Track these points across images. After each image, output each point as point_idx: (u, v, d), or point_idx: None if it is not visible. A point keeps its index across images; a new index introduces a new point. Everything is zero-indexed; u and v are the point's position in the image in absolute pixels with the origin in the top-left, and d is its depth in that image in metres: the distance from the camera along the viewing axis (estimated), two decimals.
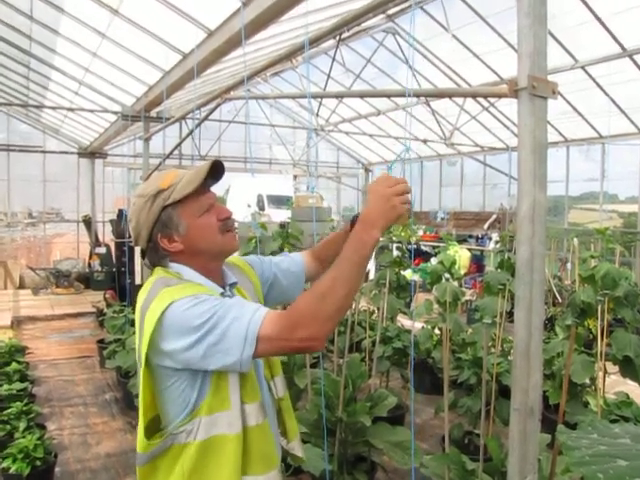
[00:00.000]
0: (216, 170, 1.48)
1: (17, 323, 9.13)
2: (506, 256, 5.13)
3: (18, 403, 4.36)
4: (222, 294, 1.46)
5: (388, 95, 2.55)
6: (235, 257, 1.78)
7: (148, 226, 1.45)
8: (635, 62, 8.17)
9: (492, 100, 10.09)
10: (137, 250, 6.99)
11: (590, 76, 8.79)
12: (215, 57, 4.77)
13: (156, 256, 1.49)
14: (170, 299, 1.29)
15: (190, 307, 1.27)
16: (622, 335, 4.05)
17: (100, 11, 5.20)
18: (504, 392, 3.80)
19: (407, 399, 4.84)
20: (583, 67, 8.64)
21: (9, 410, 4.27)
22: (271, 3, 3.72)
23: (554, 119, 10.31)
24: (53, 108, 9.79)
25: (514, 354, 1.90)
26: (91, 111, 8.28)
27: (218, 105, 4.83)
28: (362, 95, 4.04)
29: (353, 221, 1.70)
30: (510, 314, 4.69)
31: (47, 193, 13.59)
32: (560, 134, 10.88)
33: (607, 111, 9.27)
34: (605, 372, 4.32)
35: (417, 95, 1.97)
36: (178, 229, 1.44)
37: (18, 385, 4.86)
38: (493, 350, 4.58)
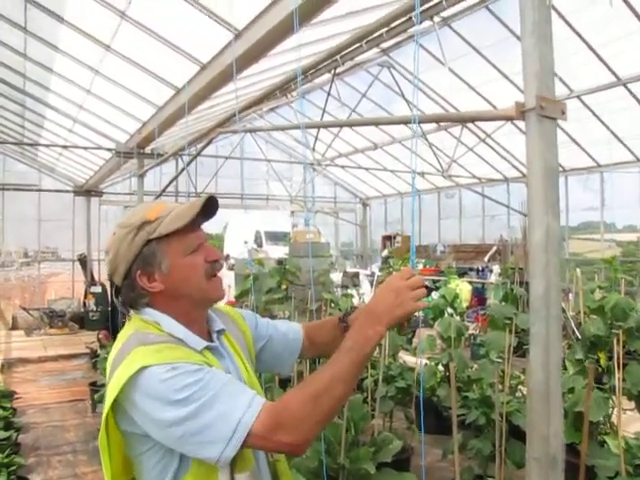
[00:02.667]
0: (209, 207, 1.34)
1: (7, 366, 8.86)
2: (510, 288, 4.98)
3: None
4: (207, 348, 1.31)
5: (393, 122, 2.46)
6: (226, 306, 1.64)
7: (127, 260, 1.29)
8: (630, 91, 8.17)
9: (489, 131, 10.10)
10: None
11: (586, 105, 8.78)
12: (208, 91, 4.70)
13: (131, 295, 1.32)
14: (142, 362, 1.12)
15: (168, 378, 1.11)
16: (636, 369, 3.86)
17: (93, 47, 5.16)
18: (515, 432, 3.60)
19: (412, 440, 4.60)
20: (579, 96, 8.65)
21: None
22: (261, 36, 3.66)
23: None
24: (47, 146, 9.75)
25: (529, 397, 1.73)
26: (85, 148, 8.22)
27: (211, 140, 4.74)
28: (365, 124, 3.94)
29: (344, 317, 1.60)
30: (516, 349, 4.52)
31: (42, 232, 13.49)
32: (559, 165, 10.82)
33: (605, 140, 9.24)
34: (621, 409, 4.11)
35: (423, 121, 1.87)
36: (160, 267, 1.28)
37: (1, 434, 4.62)
38: (500, 387, 4.40)
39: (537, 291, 1.72)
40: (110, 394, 1.14)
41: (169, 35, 4.67)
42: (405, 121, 2.18)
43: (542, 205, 1.74)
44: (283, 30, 3.46)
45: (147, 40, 4.75)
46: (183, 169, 6.23)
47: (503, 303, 5.03)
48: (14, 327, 12.36)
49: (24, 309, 12.54)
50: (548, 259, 1.71)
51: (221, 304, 1.64)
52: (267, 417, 1.12)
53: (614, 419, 4.14)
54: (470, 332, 8.82)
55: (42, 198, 13.21)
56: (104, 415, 1.16)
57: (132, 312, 1.35)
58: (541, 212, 1.74)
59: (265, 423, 1.11)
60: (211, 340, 1.38)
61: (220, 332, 1.42)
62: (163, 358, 1.14)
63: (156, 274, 1.29)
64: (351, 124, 4.06)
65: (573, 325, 7.36)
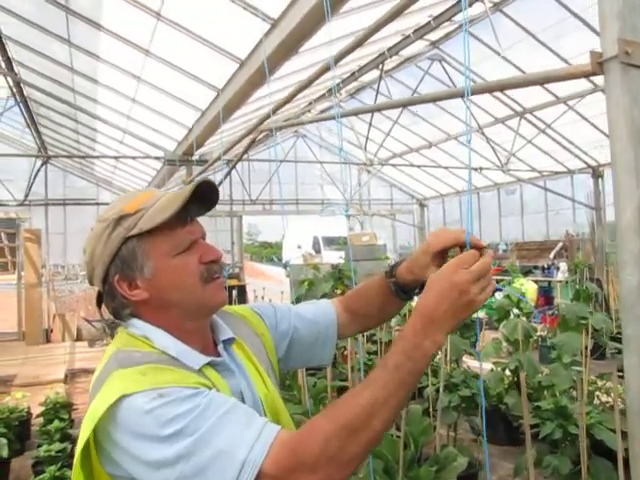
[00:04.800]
0: (205, 194, 1.07)
1: (71, 376, 9.01)
2: (583, 286, 4.54)
3: (52, 467, 4.03)
4: (210, 365, 1.05)
5: (441, 98, 2.17)
6: (240, 307, 1.36)
7: (104, 262, 1.05)
8: None
9: (548, 121, 9.53)
10: None
11: None
12: (249, 88, 4.51)
13: (112, 305, 1.08)
14: (121, 390, 0.88)
15: (155, 408, 0.86)
16: None
17: (133, 53, 5.09)
18: (597, 448, 3.19)
19: (479, 453, 4.24)
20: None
21: (41, 476, 3.94)
22: (297, 23, 3.43)
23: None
24: (96, 157, 9.89)
25: (629, 418, 1.39)
26: (133, 158, 8.25)
27: (255, 139, 4.53)
28: (405, 104, 3.63)
29: (392, 271, 1.27)
30: (592, 352, 4.06)
31: (84, 260, 13.78)
32: None
33: None
34: None
35: (475, 92, 1.59)
36: (142, 270, 1.03)
37: (57, 446, 4.54)
38: (574, 394, 3.98)
39: (630, 283, 1.39)
40: (84, 431, 0.89)
41: (205, 33, 4.53)
42: (458, 94, 1.88)
43: (632, 176, 1.40)
44: (318, 14, 3.22)
45: (184, 40, 4.63)
46: (229, 171, 6.06)
47: (574, 302, 4.59)
48: (78, 338, 12.62)
49: (87, 321, 12.80)
50: None
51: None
52: (283, 453, 0.85)
53: None
54: (538, 334, 8.30)
55: (100, 211, 13.48)
56: (76, 457, 0.91)
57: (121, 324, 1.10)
58: (630, 185, 1.40)
59: (280, 461, 0.84)
60: (216, 353, 1.12)
61: (228, 342, 1.15)
62: (148, 383, 0.89)
63: (138, 279, 1.04)
64: (393, 106, 3.78)
65: None
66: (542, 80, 1.72)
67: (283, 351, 1.31)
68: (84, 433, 0.89)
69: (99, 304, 1.13)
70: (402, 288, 1.25)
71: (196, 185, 1.03)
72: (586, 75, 1.53)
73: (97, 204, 13.33)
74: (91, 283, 1.11)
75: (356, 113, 5.23)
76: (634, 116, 1.41)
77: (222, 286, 1.11)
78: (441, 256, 1.15)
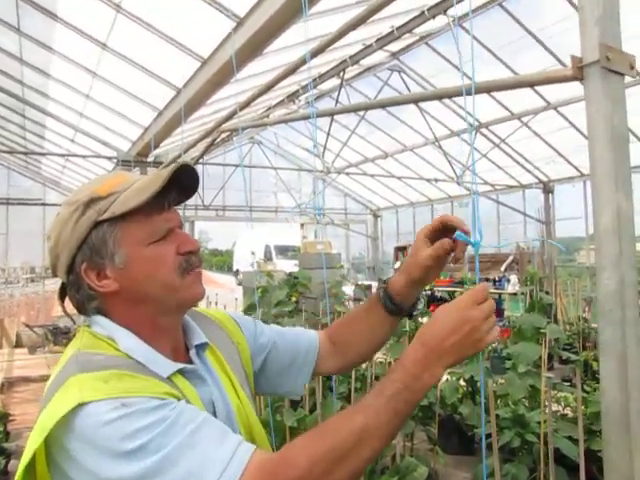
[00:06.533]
0: (184, 179, 0.98)
1: (8, 385, 8.54)
2: (538, 297, 4.61)
3: None
4: (181, 372, 0.95)
5: (444, 96, 2.15)
6: (214, 310, 1.27)
7: (70, 248, 0.95)
8: None
9: (502, 136, 9.76)
10: None
11: None
12: (210, 89, 4.40)
13: (77, 297, 0.98)
14: (79, 397, 0.78)
15: (115, 420, 0.77)
16: None
17: (89, 46, 4.89)
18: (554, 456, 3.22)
19: (436, 463, 4.24)
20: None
21: None
22: (264, 22, 3.36)
23: (567, 152, 9.93)
24: (43, 154, 9.51)
25: (604, 424, 1.37)
26: (83, 157, 7.96)
27: (214, 141, 4.41)
28: (400, 102, 3.58)
29: (385, 292, 1.21)
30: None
31: (48, 247, 13.28)
32: (576, 169, 10.44)
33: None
34: None
35: (479, 92, 1.58)
36: (113, 259, 0.94)
37: None
38: (526, 403, 4.03)
39: (607, 287, 1.37)
40: (31, 443, 0.79)
41: (167, 29, 4.40)
42: (456, 93, 1.85)
43: (611, 180, 1.38)
44: (288, 14, 3.17)
45: (145, 35, 4.48)
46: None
47: (530, 313, 4.65)
48: (18, 345, 12.05)
49: (28, 326, 12.25)
50: (621, 248, 1.36)
51: (211, 309, 1.30)
52: (260, 476, 0.77)
53: None
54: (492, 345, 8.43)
55: (47, 213, 12.98)
56: (18, 474, 0.81)
57: (83, 321, 1.00)
58: (609, 189, 1.38)
59: None
60: (188, 360, 1.02)
61: (202, 347, 1.06)
62: (110, 391, 0.80)
63: (108, 269, 0.94)
64: (380, 105, 3.74)
65: None
66: (521, 84, 1.71)
67: (257, 367, 1.22)
68: (31, 445, 0.78)
69: (62, 297, 1.02)
70: (392, 299, 1.19)
71: (175, 168, 0.94)
72: (566, 80, 1.52)
73: (43, 204, 12.83)
74: (54, 273, 1.00)
75: (333, 113, 5.17)
76: (614, 121, 1.40)
77: (200, 278, 1.02)
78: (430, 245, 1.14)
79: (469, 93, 1.45)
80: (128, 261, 0.94)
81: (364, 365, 4.62)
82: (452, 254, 1.14)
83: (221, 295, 7.25)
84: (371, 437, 0.81)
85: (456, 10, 7.27)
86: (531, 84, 1.68)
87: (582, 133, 8.83)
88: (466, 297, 0.91)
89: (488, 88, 1.78)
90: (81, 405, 0.77)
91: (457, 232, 1.09)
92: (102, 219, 0.93)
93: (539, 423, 3.25)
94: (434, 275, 1.17)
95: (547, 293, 7.75)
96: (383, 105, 4.45)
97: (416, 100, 4.24)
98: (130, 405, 0.78)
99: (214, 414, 0.94)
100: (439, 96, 3.28)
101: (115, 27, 4.47)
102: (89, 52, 5.02)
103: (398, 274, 1.20)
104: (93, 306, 0.97)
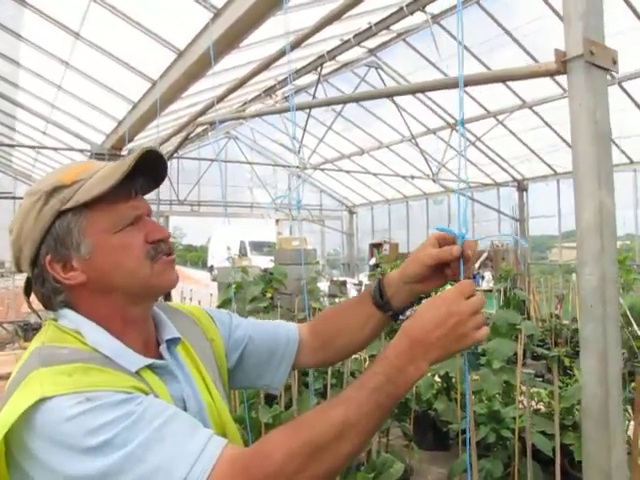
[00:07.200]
0: (152, 165, 0.95)
1: None
2: (513, 293, 4.65)
3: None
4: (150, 367, 0.92)
5: (433, 88, 2.11)
6: (188, 305, 1.25)
7: (34, 239, 0.91)
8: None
9: (478, 134, 9.83)
10: None
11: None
12: (186, 81, 4.32)
13: (42, 291, 0.94)
14: (42, 391, 0.75)
15: (79, 414, 0.73)
16: None
17: (61, 35, 4.76)
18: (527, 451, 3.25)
19: (411, 459, 4.25)
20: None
21: None
22: (242, 13, 3.31)
23: (541, 151, 10.06)
24: (11, 146, 9.25)
25: (583, 419, 1.37)
26: (55, 149, 7.77)
27: (189, 135, 4.34)
28: (384, 95, 3.54)
29: (378, 284, 1.17)
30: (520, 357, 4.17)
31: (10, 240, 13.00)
32: (550, 167, 10.58)
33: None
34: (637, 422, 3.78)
35: (469, 84, 1.56)
36: (79, 249, 0.90)
37: None
38: (500, 399, 4.06)
39: (589, 283, 1.37)
40: None
41: (142, 19, 4.31)
42: (442, 86, 1.84)
43: (593, 176, 1.39)
44: (267, 5, 3.12)
45: (119, 25, 4.38)
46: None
47: (505, 309, 4.70)
48: None
49: None
50: (603, 244, 1.36)
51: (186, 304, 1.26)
52: (232, 471, 0.74)
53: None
54: None
55: (18, 206, 12.67)
56: None
57: (49, 316, 0.96)
58: (592, 185, 1.39)
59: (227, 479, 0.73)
60: (158, 355, 0.98)
61: (173, 342, 1.02)
62: (73, 385, 0.76)
63: (73, 260, 0.91)
64: (360, 98, 3.69)
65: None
66: (506, 77, 1.71)
67: (233, 362, 1.19)
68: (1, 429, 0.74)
69: (28, 293, 0.98)
70: (383, 293, 1.15)
71: (141, 154, 0.90)
72: (550, 74, 1.52)
73: (14, 198, 12.51)
74: (19, 268, 0.96)
75: (312, 106, 5.12)
76: (596, 116, 1.40)
77: (173, 264, 0.98)
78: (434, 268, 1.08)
79: (455, 87, 1.44)
80: (95, 251, 0.91)
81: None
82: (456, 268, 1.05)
83: (196, 291, 7.20)
84: (351, 431, 0.78)
85: (432, 8, 7.31)
86: (516, 78, 1.68)
87: (556, 132, 8.95)
88: (453, 290, 0.89)
89: (475, 81, 1.78)
90: (42, 400, 0.73)
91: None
92: (66, 208, 0.90)
93: (514, 419, 3.27)
94: (431, 283, 1.11)
95: (520, 290, 7.88)
96: (364, 98, 4.42)
97: (400, 93, 4.23)
98: (94, 399, 0.75)
99: (185, 411, 0.91)
100: (421, 89, 3.27)
101: (88, 16, 4.36)
102: (61, 41, 4.88)
103: (396, 272, 1.16)
104: (60, 300, 0.93)
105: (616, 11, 6.44)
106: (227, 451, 0.76)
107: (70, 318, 0.91)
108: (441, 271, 1.08)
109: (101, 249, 0.91)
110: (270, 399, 3.92)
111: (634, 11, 6.47)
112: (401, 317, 1.20)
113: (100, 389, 0.77)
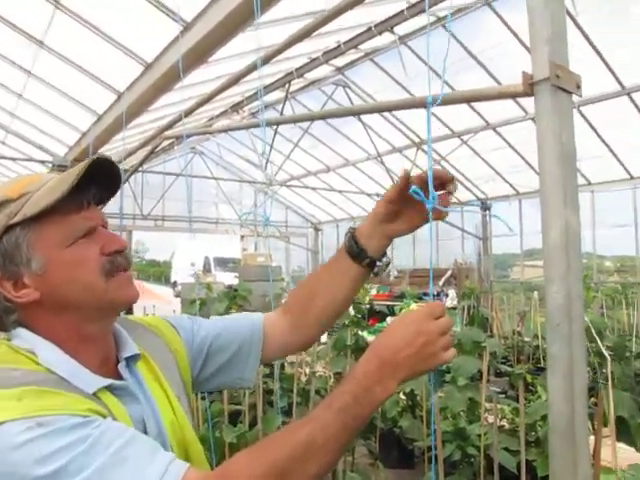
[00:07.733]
0: (104, 174, 0.91)
1: None
2: (476, 310, 4.71)
3: None
4: (108, 388, 0.87)
5: (404, 107, 2.13)
6: (149, 317, 1.20)
7: None
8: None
9: (443, 154, 10.01)
10: None
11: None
12: (153, 94, 4.28)
13: None
14: None
15: (28, 441, 0.69)
16: (617, 394, 3.61)
17: (24, 43, 4.65)
18: (492, 468, 3.27)
19: (377, 478, 4.22)
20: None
21: None
22: (212, 28, 3.31)
23: (504, 172, 10.29)
24: None
25: (550, 437, 1.38)
26: (14, 159, 7.55)
27: (155, 148, 4.28)
28: (357, 112, 3.54)
29: (351, 235, 1.18)
30: (481, 375, 4.21)
31: None
32: (512, 187, 10.82)
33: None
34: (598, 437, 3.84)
35: (445, 103, 1.58)
36: (30, 265, 0.86)
37: None
38: (465, 417, 4.08)
39: (556, 301, 1.38)
40: None
41: (109, 29, 4.25)
42: (419, 104, 1.85)
43: (559, 196, 1.40)
44: (237, 20, 3.12)
45: (85, 35, 4.31)
46: (125, 181, 5.72)
47: (469, 327, 4.75)
48: None
49: None
50: (569, 262, 1.38)
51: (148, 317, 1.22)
52: None
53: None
54: None
55: None
56: None
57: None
58: (558, 204, 1.41)
59: None
60: (116, 374, 0.94)
61: (133, 359, 0.98)
62: (24, 409, 0.72)
63: (25, 276, 0.86)
64: (330, 115, 3.69)
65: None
66: (475, 98, 1.73)
67: (200, 365, 1.15)
68: None
69: None
70: (357, 242, 1.16)
71: (90, 162, 0.86)
72: (517, 95, 1.54)
73: None
74: None
75: (280, 122, 5.10)
76: (563, 139, 1.43)
77: (131, 280, 0.94)
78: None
79: (421, 106, 1.45)
80: (47, 265, 0.86)
81: (304, 379, 4.56)
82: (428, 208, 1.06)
83: (158, 307, 7.06)
84: (318, 452, 0.77)
85: (400, 29, 7.44)
86: (484, 98, 1.70)
87: (519, 153, 9.17)
88: (423, 310, 0.88)
89: (444, 101, 1.80)
90: None
91: (413, 187, 1.03)
92: (13, 222, 0.85)
93: (479, 436, 3.29)
94: (404, 223, 1.13)
95: (484, 307, 7.99)
96: (331, 116, 4.44)
97: (367, 112, 4.26)
98: (47, 424, 0.70)
99: (144, 433, 0.87)
100: (387, 108, 3.30)
101: (53, 24, 4.28)
102: (24, 49, 4.78)
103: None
104: (12, 320, 0.88)
105: (572, 39, 6.66)
106: (190, 475, 0.73)
107: (24, 337, 0.86)
108: (413, 209, 1.10)
109: (53, 264, 0.87)
110: (234, 417, 3.85)
111: (588, 40, 6.72)
112: (378, 263, 1.18)
113: (53, 413, 0.73)
